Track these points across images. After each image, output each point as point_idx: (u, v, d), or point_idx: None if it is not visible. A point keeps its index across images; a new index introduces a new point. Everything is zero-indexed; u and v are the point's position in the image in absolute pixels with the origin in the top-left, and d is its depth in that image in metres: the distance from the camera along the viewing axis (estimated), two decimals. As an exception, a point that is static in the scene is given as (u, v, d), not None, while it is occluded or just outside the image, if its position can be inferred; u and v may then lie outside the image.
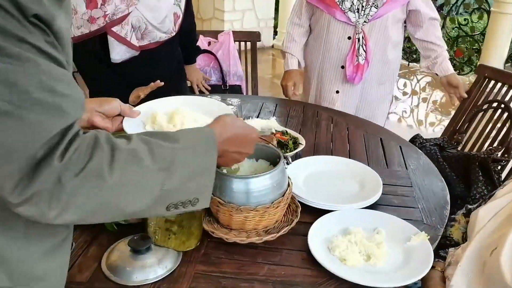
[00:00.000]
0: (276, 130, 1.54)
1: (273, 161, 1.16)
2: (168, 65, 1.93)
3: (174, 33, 1.89)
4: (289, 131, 1.61)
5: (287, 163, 1.15)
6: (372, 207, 1.22)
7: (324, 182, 1.34)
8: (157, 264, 0.99)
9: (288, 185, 1.13)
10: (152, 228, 1.06)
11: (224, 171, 1.12)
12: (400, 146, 1.62)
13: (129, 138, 0.70)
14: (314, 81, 2.14)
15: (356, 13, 1.92)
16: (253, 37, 2.63)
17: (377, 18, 1.92)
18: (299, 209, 1.17)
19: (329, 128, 1.76)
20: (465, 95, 2.03)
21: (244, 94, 2.59)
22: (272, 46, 6.12)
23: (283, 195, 1.09)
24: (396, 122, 3.90)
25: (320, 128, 1.76)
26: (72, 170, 0.61)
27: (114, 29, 1.72)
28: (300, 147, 1.50)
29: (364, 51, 1.95)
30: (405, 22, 2.05)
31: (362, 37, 1.94)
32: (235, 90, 2.53)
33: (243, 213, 1.06)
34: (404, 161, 1.51)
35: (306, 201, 1.21)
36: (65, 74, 0.63)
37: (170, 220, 1.09)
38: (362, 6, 1.90)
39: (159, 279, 0.97)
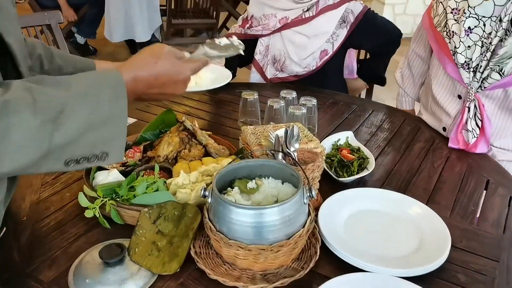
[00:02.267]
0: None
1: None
2: None
3: (313, 70, 1.86)
4: (363, 148, 1.32)
5: (310, 197, 0.91)
6: (424, 279, 0.90)
7: (372, 227, 1.04)
8: (120, 284, 0.86)
9: (304, 224, 0.89)
10: (137, 236, 0.93)
11: (236, 190, 0.92)
12: (510, 198, 1.20)
13: (8, 86, 0.63)
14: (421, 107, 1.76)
15: (472, 73, 1.38)
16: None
17: (498, 87, 1.36)
18: (316, 257, 0.92)
19: (422, 153, 1.40)
20: None
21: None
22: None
23: (289, 238, 0.86)
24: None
25: (411, 151, 1.41)
26: None
27: (257, 57, 1.89)
28: (364, 173, 1.20)
29: (478, 126, 1.39)
30: None
31: (476, 106, 1.39)
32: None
33: (232, 248, 0.86)
34: (506, 222, 1.10)
35: (333, 247, 0.95)
36: None
37: (162, 232, 0.95)
38: (481, 67, 1.35)
39: (112, 302, 0.84)
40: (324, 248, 0.96)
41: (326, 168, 1.22)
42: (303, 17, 1.85)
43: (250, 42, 1.88)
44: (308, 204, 0.94)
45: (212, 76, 1.69)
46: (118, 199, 1.02)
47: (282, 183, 0.98)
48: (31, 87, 0.64)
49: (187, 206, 0.99)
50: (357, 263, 0.91)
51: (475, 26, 1.33)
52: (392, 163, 1.33)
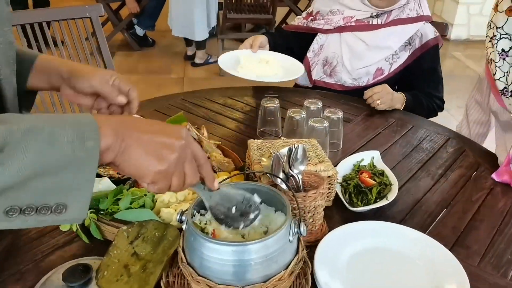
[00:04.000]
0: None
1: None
2: None
3: (362, 85, 1.72)
4: (388, 173, 1.16)
5: (299, 233, 0.78)
6: None
7: (378, 270, 0.89)
8: (80, 311, 0.79)
9: (288, 265, 0.77)
10: (110, 258, 0.86)
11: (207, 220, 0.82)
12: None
13: None
14: None
15: None
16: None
17: None
18: (300, 304, 0.79)
19: (461, 181, 1.21)
20: None
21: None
22: None
23: (266, 281, 0.74)
24: None
25: (447, 178, 1.22)
26: None
27: (309, 54, 1.77)
28: (381, 203, 1.05)
29: None
30: None
31: None
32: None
33: (200, 286, 0.76)
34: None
35: (325, 293, 0.82)
36: None
37: (138, 254, 0.87)
38: None
39: (68, 331, 0.77)
40: (317, 291, 0.83)
41: (339, 194, 1.08)
42: (370, 23, 1.68)
43: (307, 38, 1.78)
44: (298, 240, 0.82)
45: (282, 66, 1.65)
46: (101, 212, 0.95)
47: (275, 212, 0.86)
48: None
49: (169, 228, 0.90)
50: (349, 315, 0.77)
51: (510, 48, 1.15)
52: (422, 192, 1.16)
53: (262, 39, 1.69)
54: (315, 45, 1.78)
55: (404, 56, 1.69)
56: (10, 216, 0.53)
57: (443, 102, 1.74)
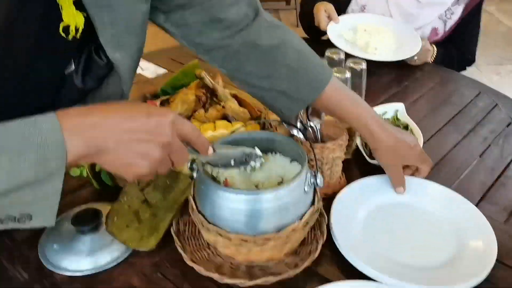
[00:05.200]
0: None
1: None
2: None
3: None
4: (413, 126, 1.09)
5: (315, 184, 0.74)
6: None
7: (397, 226, 0.85)
8: (88, 254, 0.77)
9: (302, 216, 0.73)
10: (120, 204, 0.84)
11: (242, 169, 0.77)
12: None
13: None
14: None
15: None
16: None
17: None
18: (314, 255, 0.76)
19: (491, 137, 1.14)
20: None
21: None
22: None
23: (279, 230, 0.71)
24: None
25: (476, 133, 1.15)
26: None
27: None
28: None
29: None
30: None
31: None
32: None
33: (211, 234, 0.73)
34: None
35: (340, 246, 0.78)
36: None
37: (148, 202, 0.85)
38: None
39: (76, 274, 0.75)
40: (332, 245, 0.80)
41: (359, 146, 1.03)
42: None
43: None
44: (315, 191, 0.77)
45: (396, 43, 1.47)
46: (112, 159, 0.92)
47: (291, 162, 0.81)
48: None
49: (180, 176, 0.87)
50: (366, 269, 0.74)
51: None
52: (448, 147, 1.10)
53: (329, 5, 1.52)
54: (354, 6, 1.61)
55: (458, 11, 1.53)
56: None
57: (475, 57, 1.63)
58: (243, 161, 0.73)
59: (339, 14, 1.54)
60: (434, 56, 1.50)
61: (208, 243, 0.80)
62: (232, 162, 0.72)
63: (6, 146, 0.47)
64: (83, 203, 0.88)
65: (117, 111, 0.54)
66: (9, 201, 0.49)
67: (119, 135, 0.53)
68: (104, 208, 0.83)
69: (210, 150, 0.66)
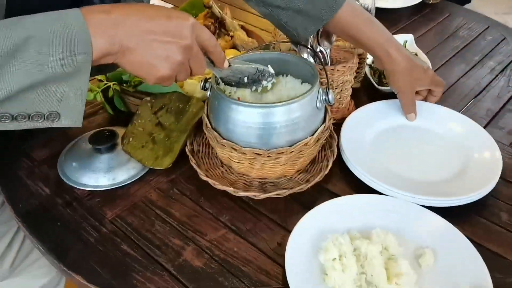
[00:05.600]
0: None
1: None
2: None
3: None
4: (422, 55, 1.10)
5: (327, 101, 0.75)
6: (456, 213, 0.74)
7: (405, 145, 0.87)
8: (107, 172, 0.80)
9: (315, 132, 0.75)
10: (134, 126, 0.86)
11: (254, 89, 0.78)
12: None
13: None
14: None
15: None
16: None
17: None
18: (325, 171, 0.79)
19: (498, 68, 1.14)
20: None
21: None
22: None
23: (290, 145, 0.73)
24: None
25: (484, 64, 1.15)
26: None
27: None
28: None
29: None
30: None
31: None
32: None
33: (226, 150, 0.75)
34: None
35: (350, 163, 0.81)
36: None
37: (162, 124, 0.86)
38: None
39: (96, 189, 0.78)
40: (342, 164, 0.82)
41: (368, 74, 1.04)
42: None
43: None
44: (326, 110, 0.79)
45: None
46: (124, 85, 0.93)
47: (302, 83, 0.82)
48: None
49: (193, 100, 0.88)
50: (374, 183, 0.76)
51: None
52: (456, 77, 1.10)
53: None
54: None
55: None
56: (2, 121, 0.51)
57: None
58: (256, 79, 0.74)
59: None
60: None
61: (222, 162, 0.82)
62: (245, 79, 0.74)
63: (34, 38, 0.47)
64: (94, 127, 0.90)
65: (138, 11, 0.54)
66: (38, 96, 0.50)
67: (140, 35, 0.54)
68: (119, 131, 0.85)
69: (226, 63, 0.67)
